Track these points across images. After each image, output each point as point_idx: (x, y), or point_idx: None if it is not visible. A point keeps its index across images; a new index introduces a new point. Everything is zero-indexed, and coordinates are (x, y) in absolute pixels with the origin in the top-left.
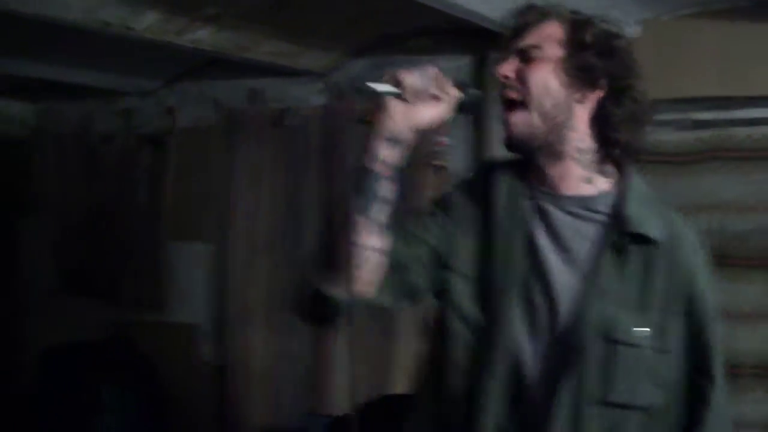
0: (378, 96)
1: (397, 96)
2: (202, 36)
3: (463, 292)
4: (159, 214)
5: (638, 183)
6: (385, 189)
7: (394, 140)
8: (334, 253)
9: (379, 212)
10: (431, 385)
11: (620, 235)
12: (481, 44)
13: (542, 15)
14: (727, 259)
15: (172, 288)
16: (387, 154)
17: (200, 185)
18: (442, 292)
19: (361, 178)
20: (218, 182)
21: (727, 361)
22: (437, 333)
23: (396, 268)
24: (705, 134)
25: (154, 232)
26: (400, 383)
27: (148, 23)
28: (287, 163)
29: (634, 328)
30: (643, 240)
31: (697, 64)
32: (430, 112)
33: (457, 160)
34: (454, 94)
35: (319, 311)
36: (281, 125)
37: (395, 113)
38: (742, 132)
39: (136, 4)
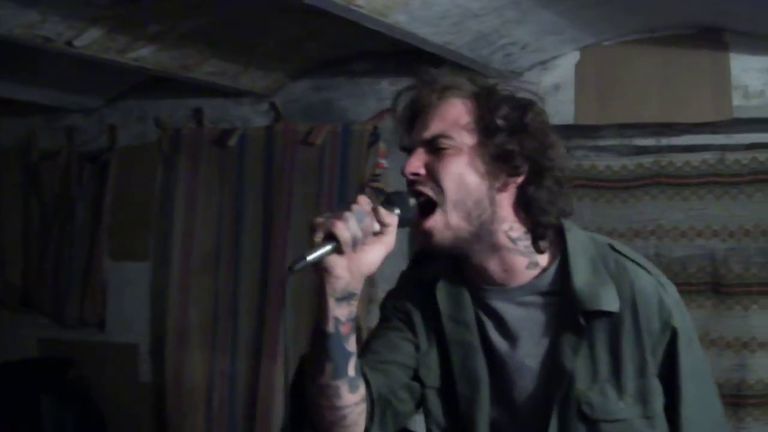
0: (318, 263)
1: (336, 251)
2: (145, 54)
3: (435, 405)
4: (99, 233)
5: (576, 243)
6: (350, 344)
7: (347, 297)
8: (313, 416)
9: (351, 368)
10: None
11: (572, 313)
12: (422, 67)
13: (441, 92)
14: None
15: (112, 307)
16: (343, 312)
17: (140, 204)
18: (419, 405)
19: (323, 344)
20: (158, 201)
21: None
22: None
23: (380, 404)
24: (645, 160)
25: (94, 251)
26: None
27: (90, 40)
28: (228, 184)
29: (614, 401)
30: (599, 314)
31: (638, 90)
32: (377, 251)
33: (395, 183)
34: (394, 220)
35: None
36: (223, 145)
37: (340, 271)
38: (681, 158)
39: (78, 20)
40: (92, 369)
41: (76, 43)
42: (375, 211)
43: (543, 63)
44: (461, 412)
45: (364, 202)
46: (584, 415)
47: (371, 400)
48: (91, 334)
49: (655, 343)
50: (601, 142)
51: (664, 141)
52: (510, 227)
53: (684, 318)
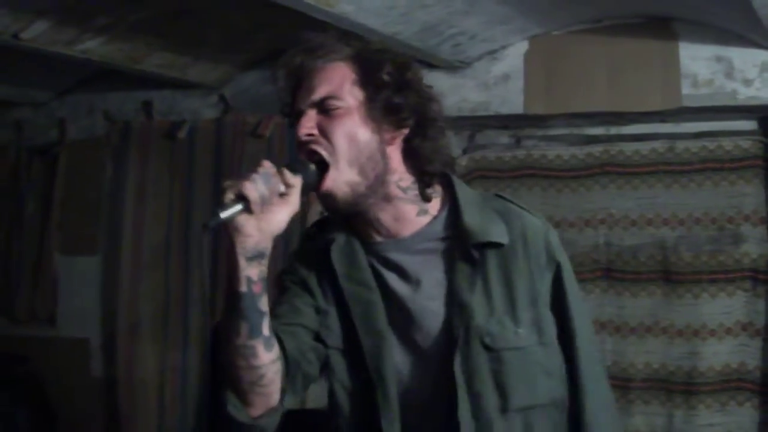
0: (229, 222)
1: (246, 210)
2: (92, 47)
3: (340, 365)
4: (49, 227)
5: (464, 192)
6: (263, 303)
7: (257, 256)
8: (231, 378)
9: (265, 327)
10: None
11: (465, 248)
12: None
13: (324, 56)
14: (616, 272)
15: (63, 302)
16: (254, 272)
17: (90, 198)
18: (323, 369)
19: (237, 304)
20: (108, 195)
21: (618, 375)
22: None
23: (292, 366)
24: (595, 149)
25: (44, 246)
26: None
27: (36, 33)
28: (178, 176)
29: (512, 331)
30: (490, 246)
31: (588, 79)
32: (284, 212)
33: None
34: (297, 181)
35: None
36: (172, 138)
37: (250, 230)
38: (630, 147)
39: (24, 13)
40: (44, 364)
41: (23, 35)
42: (280, 173)
43: (492, 53)
44: (368, 367)
45: (268, 165)
46: (486, 346)
47: (285, 360)
48: (42, 329)
49: (544, 276)
50: (551, 132)
51: (614, 130)
52: (400, 178)
53: (565, 256)
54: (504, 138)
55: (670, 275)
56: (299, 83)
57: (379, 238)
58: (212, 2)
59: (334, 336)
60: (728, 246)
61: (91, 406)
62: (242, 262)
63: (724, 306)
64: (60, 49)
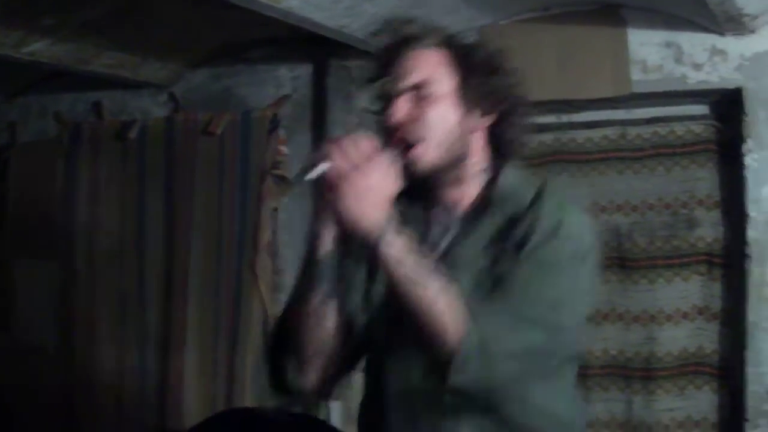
0: (312, 182)
1: (328, 175)
2: (40, 48)
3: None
4: (1, 231)
5: (509, 174)
6: (339, 269)
7: (339, 222)
8: (297, 343)
9: (337, 293)
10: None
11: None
12: (320, 52)
13: (413, 43)
14: None
15: (18, 306)
16: (334, 237)
17: (42, 201)
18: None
19: (314, 268)
20: (60, 197)
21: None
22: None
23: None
24: (546, 137)
25: None
26: (247, 397)
27: None
28: (130, 176)
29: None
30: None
31: (537, 68)
32: (374, 183)
33: (296, 170)
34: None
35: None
36: (124, 138)
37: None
38: (582, 135)
39: None
40: (0, 369)
41: None
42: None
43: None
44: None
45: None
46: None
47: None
48: None
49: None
50: None
51: (565, 118)
52: (478, 162)
53: (584, 235)
54: None
55: (625, 261)
56: (392, 68)
57: (437, 207)
58: (159, 0)
59: (368, 299)
60: (683, 231)
61: (50, 412)
62: (327, 226)
63: (680, 291)
64: (7, 52)
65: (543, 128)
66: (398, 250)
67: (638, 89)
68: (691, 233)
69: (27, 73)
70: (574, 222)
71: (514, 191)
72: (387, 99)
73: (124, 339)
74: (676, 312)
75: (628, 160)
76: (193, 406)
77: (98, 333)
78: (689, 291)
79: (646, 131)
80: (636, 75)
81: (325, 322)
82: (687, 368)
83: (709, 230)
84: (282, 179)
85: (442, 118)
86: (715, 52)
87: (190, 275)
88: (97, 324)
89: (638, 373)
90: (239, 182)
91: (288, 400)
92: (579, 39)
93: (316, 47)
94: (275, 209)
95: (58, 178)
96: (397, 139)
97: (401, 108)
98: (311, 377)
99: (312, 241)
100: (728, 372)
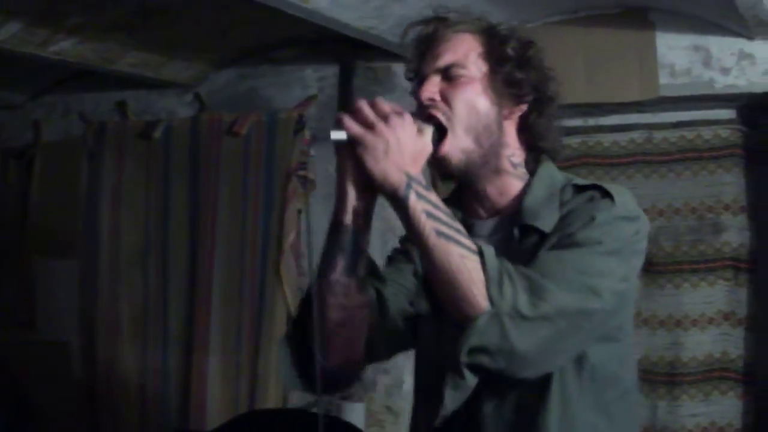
0: (341, 143)
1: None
2: (66, 47)
3: (424, 331)
4: (25, 230)
5: (546, 171)
6: (365, 241)
7: (369, 188)
8: (321, 322)
9: (361, 266)
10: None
11: (513, 226)
12: (346, 53)
13: (452, 26)
14: None
15: (41, 305)
16: (362, 205)
17: (66, 200)
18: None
19: (338, 237)
20: (84, 197)
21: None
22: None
23: (384, 320)
24: (573, 141)
25: (21, 249)
26: (269, 399)
27: (9, 34)
28: (154, 176)
29: None
30: (533, 230)
31: (565, 71)
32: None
33: (322, 171)
34: (428, 129)
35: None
36: (148, 138)
37: (365, 159)
38: (609, 138)
39: None
40: (23, 368)
41: None
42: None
43: None
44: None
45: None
46: None
47: (380, 311)
48: (21, 332)
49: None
50: None
51: (592, 121)
52: (512, 153)
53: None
54: None
55: (650, 266)
56: (427, 49)
57: (483, 213)
58: (185, 0)
59: (420, 302)
60: (708, 236)
61: (73, 410)
62: (351, 191)
63: (706, 296)
64: (33, 51)
65: (570, 131)
66: (428, 203)
67: (666, 93)
68: (717, 238)
69: (52, 72)
70: (613, 206)
71: (540, 200)
72: (421, 78)
73: (148, 339)
74: (702, 317)
75: (654, 164)
76: (216, 407)
77: (121, 333)
78: (715, 296)
79: (673, 135)
80: (663, 79)
81: (350, 297)
82: (712, 374)
83: (735, 235)
84: (307, 180)
85: (472, 101)
86: (743, 56)
87: (214, 276)
88: (120, 324)
89: (663, 378)
90: (264, 183)
91: (311, 383)
92: (607, 42)
93: (343, 48)
94: (300, 210)
95: (82, 177)
96: (427, 115)
97: (431, 87)
98: (335, 355)
99: (337, 206)
100: (753, 378)
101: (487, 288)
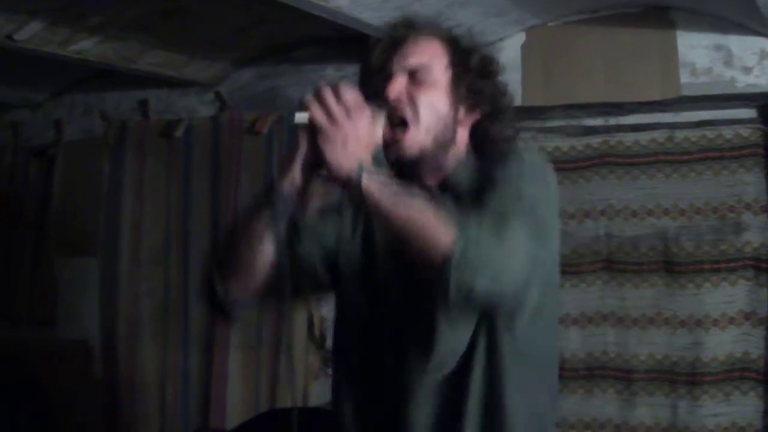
0: (299, 126)
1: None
2: (87, 47)
3: (351, 287)
4: (47, 229)
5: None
6: (291, 211)
7: (314, 172)
8: (232, 250)
9: (281, 227)
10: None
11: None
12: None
13: (424, 30)
14: (617, 264)
15: (62, 304)
16: (302, 182)
17: (88, 199)
18: (333, 287)
19: (270, 195)
20: (106, 195)
21: (621, 366)
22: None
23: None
24: (594, 140)
25: (42, 247)
26: (291, 397)
27: (30, 33)
28: (175, 175)
29: None
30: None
31: (586, 70)
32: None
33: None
34: (380, 118)
35: (214, 304)
36: (169, 137)
37: (317, 142)
38: (630, 138)
39: (18, 13)
40: (44, 367)
41: (17, 36)
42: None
43: (489, 45)
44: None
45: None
46: None
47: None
48: (41, 331)
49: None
50: (549, 123)
51: (613, 120)
52: (459, 153)
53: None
54: None
55: (671, 266)
56: (396, 47)
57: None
58: None
59: (349, 261)
60: (730, 235)
61: (92, 409)
62: (297, 166)
63: (727, 295)
64: (54, 50)
65: (591, 131)
66: (379, 179)
67: (687, 92)
68: (738, 238)
69: (73, 71)
70: (535, 162)
71: (463, 174)
72: (388, 76)
73: (168, 338)
74: (723, 317)
75: (675, 164)
76: (236, 406)
77: (142, 332)
78: (736, 296)
79: (694, 134)
80: (685, 78)
81: (261, 244)
82: (733, 374)
83: (756, 235)
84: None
85: (434, 103)
86: (765, 55)
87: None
88: (141, 323)
89: (684, 377)
90: None
91: (213, 306)
92: (627, 41)
93: (362, 47)
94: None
95: (103, 176)
96: (391, 113)
97: (398, 85)
98: (233, 287)
99: (280, 172)
100: None
101: (453, 223)
